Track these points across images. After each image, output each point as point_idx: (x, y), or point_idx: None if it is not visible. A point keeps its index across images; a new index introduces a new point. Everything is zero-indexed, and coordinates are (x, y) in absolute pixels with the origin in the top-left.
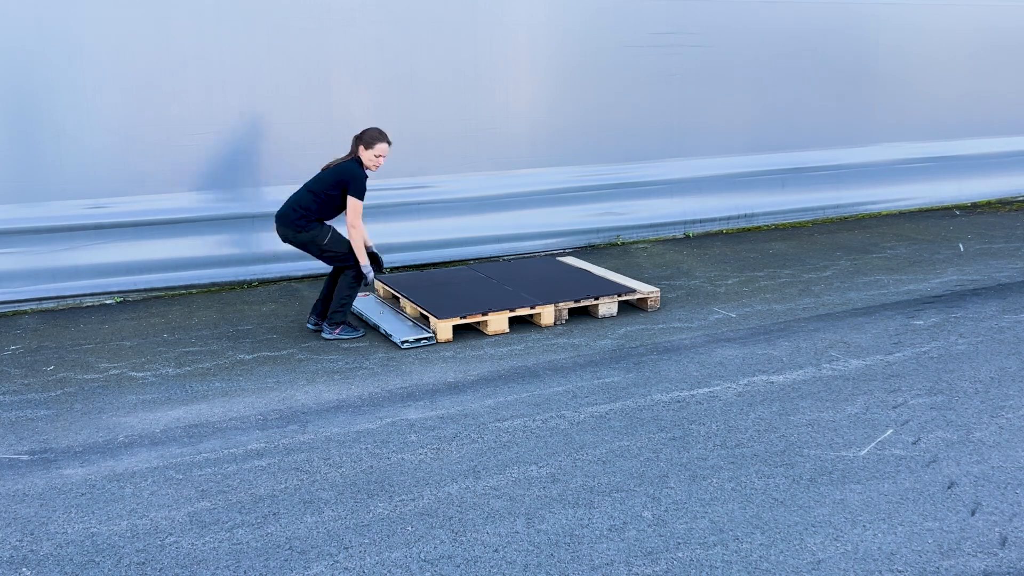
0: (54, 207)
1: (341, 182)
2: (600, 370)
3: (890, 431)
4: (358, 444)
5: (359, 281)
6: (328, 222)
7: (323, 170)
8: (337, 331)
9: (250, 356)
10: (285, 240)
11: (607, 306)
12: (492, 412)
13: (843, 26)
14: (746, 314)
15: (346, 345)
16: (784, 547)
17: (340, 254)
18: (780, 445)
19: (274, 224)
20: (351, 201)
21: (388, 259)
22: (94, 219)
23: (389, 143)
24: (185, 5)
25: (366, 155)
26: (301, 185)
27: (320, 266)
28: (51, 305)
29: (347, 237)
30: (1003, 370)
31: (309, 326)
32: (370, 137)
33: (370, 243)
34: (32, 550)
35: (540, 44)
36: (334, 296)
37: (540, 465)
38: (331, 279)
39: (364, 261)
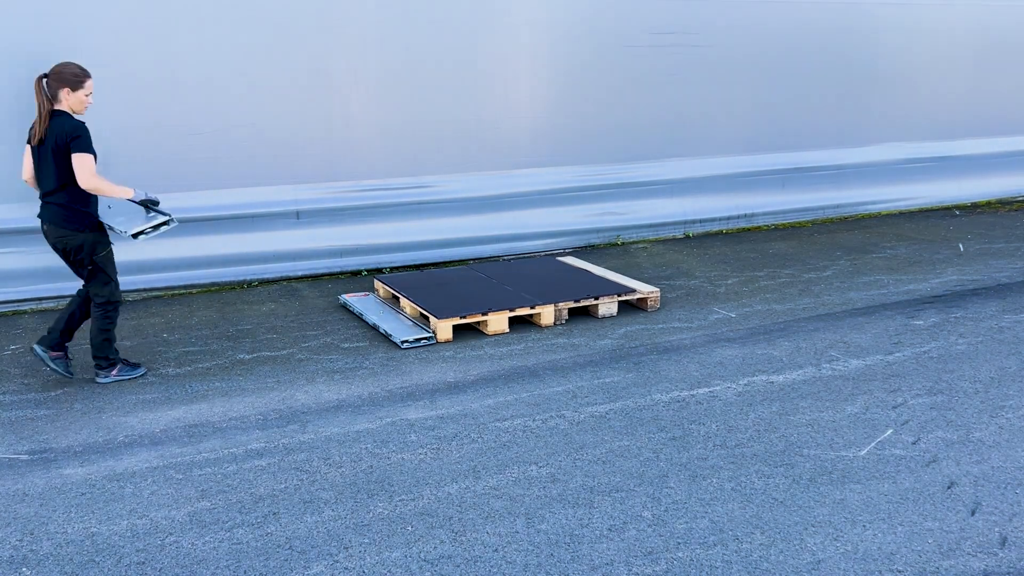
0: None
1: (63, 145)
2: (600, 370)
3: (890, 431)
4: (358, 444)
5: (112, 314)
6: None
7: (36, 147)
8: (114, 372)
9: (250, 356)
10: (55, 247)
11: (607, 306)
12: (492, 412)
13: (843, 26)
14: (746, 314)
15: (346, 345)
16: (784, 547)
17: (103, 276)
18: (780, 445)
19: (42, 228)
20: (79, 159)
21: (388, 259)
22: None
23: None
24: (185, 5)
25: (75, 98)
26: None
27: (322, 266)
28: (51, 305)
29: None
30: (1003, 370)
31: (36, 350)
32: (73, 76)
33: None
34: (32, 550)
35: (540, 44)
36: (91, 339)
37: (540, 465)
38: (78, 300)
39: (131, 191)
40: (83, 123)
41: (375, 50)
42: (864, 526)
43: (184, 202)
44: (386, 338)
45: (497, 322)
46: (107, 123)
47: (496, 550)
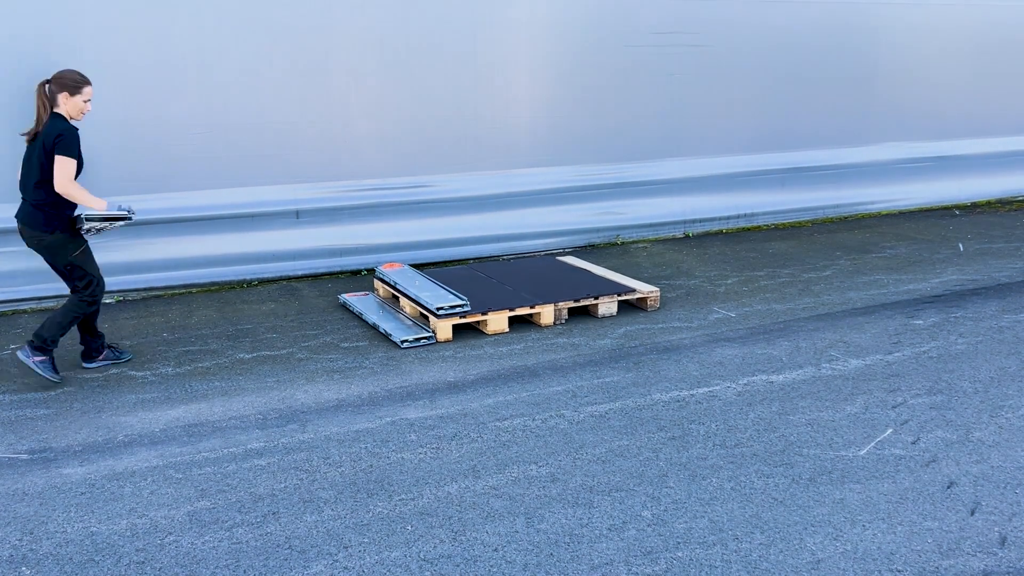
0: None
1: (50, 146)
2: (600, 370)
3: (889, 431)
4: (358, 443)
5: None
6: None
7: (28, 145)
8: (37, 359)
9: (250, 355)
10: (29, 245)
11: (607, 306)
12: (492, 411)
13: (843, 26)
14: (746, 314)
15: (346, 344)
16: (783, 547)
17: (85, 275)
18: (780, 445)
19: (18, 228)
20: (61, 161)
21: (388, 259)
22: None
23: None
24: (185, 4)
25: (72, 103)
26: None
27: (322, 265)
28: (51, 304)
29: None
30: (1003, 370)
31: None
32: (73, 81)
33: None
34: (32, 549)
35: (540, 43)
36: (49, 317)
37: (540, 464)
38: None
39: (104, 203)
40: (75, 129)
41: (374, 49)
42: (864, 526)
43: (184, 201)
44: (386, 338)
45: (497, 322)
46: (107, 123)
47: (496, 550)
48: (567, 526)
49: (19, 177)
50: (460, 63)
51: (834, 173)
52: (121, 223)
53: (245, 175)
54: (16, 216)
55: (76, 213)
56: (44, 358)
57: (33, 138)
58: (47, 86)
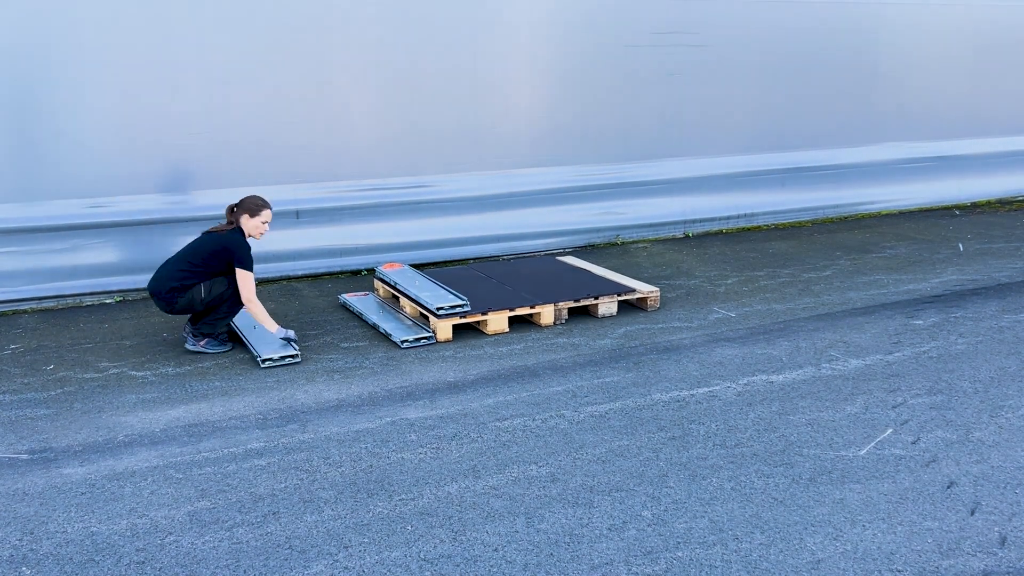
0: (54, 207)
1: (223, 252)
2: (600, 369)
3: (890, 431)
4: (358, 443)
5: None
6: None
7: (203, 234)
8: (202, 343)
9: (250, 355)
10: (167, 311)
11: (607, 306)
12: (492, 411)
13: (843, 26)
14: (746, 314)
15: (346, 344)
16: (783, 546)
17: (223, 293)
18: (780, 445)
19: (150, 286)
20: (242, 275)
21: (388, 259)
22: (94, 219)
23: (271, 209)
24: (185, 4)
25: (251, 223)
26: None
27: (322, 265)
28: (51, 304)
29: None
30: (1003, 370)
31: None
32: (254, 205)
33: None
34: (32, 549)
35: (540, 43)
36: (214, 312)
37: (540, 464)
38: None
39: (275, 326)
40: (249, 245)
41: (375, 49)
42: (864, 526)
43: (184, 202)
44: (386, 338)
45: (497, 322)
46: (107, 123)
47: (496, 549)
48: (567, 526)
49: (173, 255)
50: (460, 62)
51: (834, 173)
52: (291, 361)
53: (245, 175)
54: (151, 285)
55: (258, 351)
56: (205, 340)
57: (208, 233)
58: (234, 208)
